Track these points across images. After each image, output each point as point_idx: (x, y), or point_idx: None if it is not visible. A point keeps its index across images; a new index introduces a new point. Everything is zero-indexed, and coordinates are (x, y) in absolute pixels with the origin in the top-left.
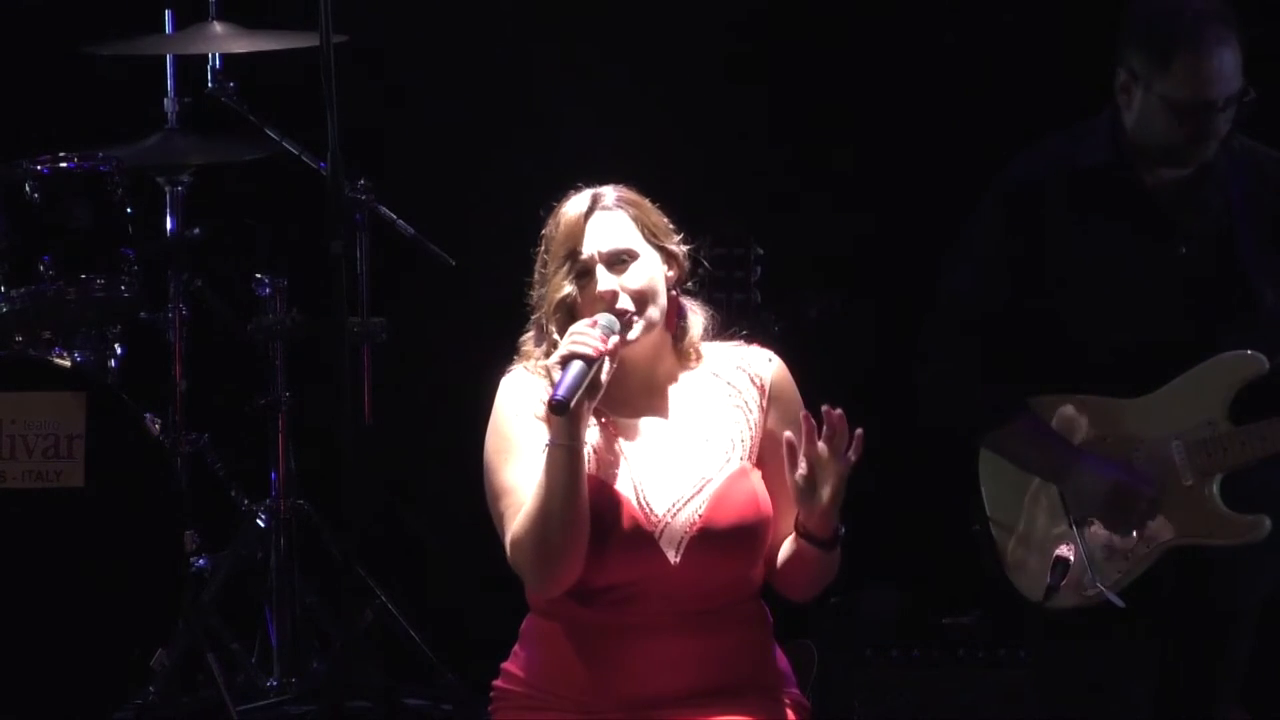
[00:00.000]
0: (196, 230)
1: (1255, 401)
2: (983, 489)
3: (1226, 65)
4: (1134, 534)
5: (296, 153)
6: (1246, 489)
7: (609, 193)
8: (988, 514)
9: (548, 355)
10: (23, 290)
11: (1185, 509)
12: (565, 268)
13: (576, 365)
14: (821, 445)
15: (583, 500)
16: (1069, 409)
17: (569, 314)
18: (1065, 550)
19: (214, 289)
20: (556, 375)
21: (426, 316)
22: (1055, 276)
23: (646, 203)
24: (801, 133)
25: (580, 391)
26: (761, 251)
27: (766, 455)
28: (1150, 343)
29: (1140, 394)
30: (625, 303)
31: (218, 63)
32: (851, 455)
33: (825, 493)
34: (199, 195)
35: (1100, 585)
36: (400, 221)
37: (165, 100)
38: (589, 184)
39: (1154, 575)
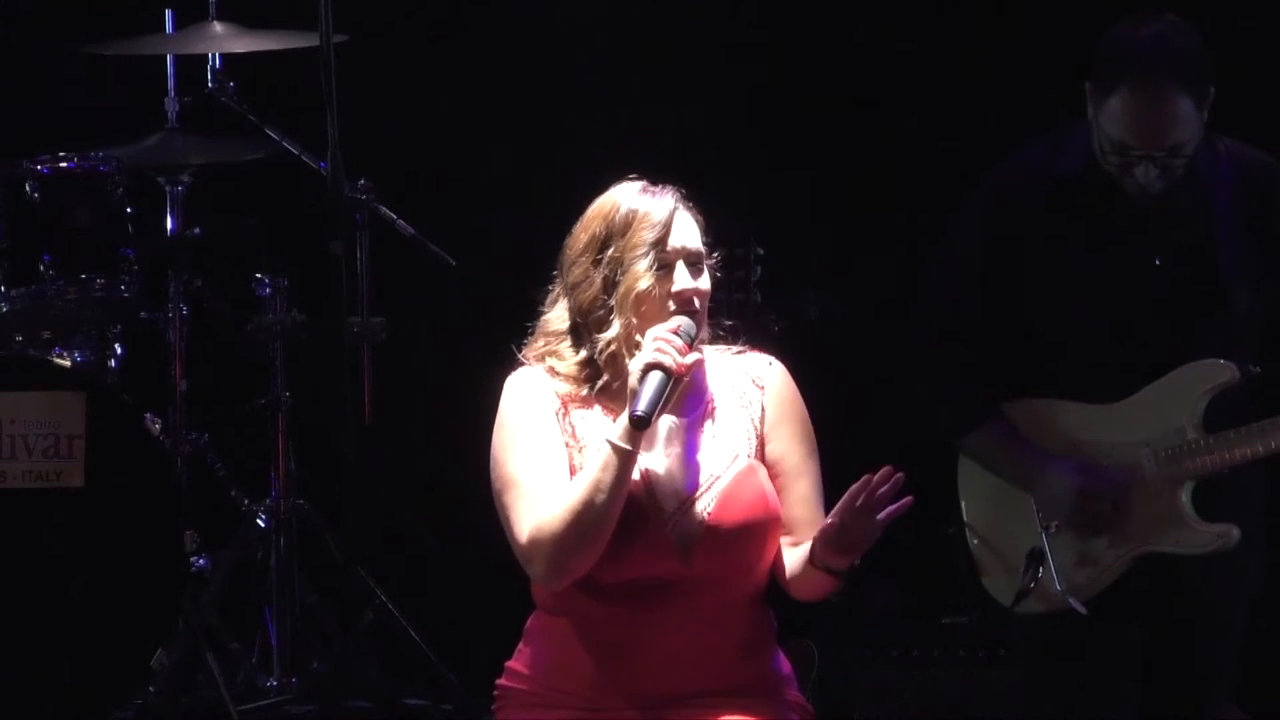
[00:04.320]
0: (196, 230)
1: (1227, 410)
2: (960, 492)
3: (1163, 119)
4: (1101, 537)
5: (296, 153)
6: (1217, 497)
7: (679, 192)
8: (964, 518)
9: (578, 339)
10: (23, 290)
11: (1155, 517)
12: (650, 257)
13: (657, 377)
14: (862, 502)
15: (620, 505)
16: (1042, 413)
17: (638, 306)
18: (1036, 556)
19: (214, 289)
20: (635, 386)
21: (426, 316)
22: (1030, 283)
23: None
24: (802, 132)
25: (660, 405)
26: (761, 251)
27: (766, 452)
28: (1123, 351)
29: (1113, 401)
30: (698, 306)
31: (218, 63)
32: (882, 516)
33: (855, 548)
34: (199, 195)
35: (1065, 593)
36: (400, 221)
37: (165, 100)
38: (649, 178)
39: (1129, 579)
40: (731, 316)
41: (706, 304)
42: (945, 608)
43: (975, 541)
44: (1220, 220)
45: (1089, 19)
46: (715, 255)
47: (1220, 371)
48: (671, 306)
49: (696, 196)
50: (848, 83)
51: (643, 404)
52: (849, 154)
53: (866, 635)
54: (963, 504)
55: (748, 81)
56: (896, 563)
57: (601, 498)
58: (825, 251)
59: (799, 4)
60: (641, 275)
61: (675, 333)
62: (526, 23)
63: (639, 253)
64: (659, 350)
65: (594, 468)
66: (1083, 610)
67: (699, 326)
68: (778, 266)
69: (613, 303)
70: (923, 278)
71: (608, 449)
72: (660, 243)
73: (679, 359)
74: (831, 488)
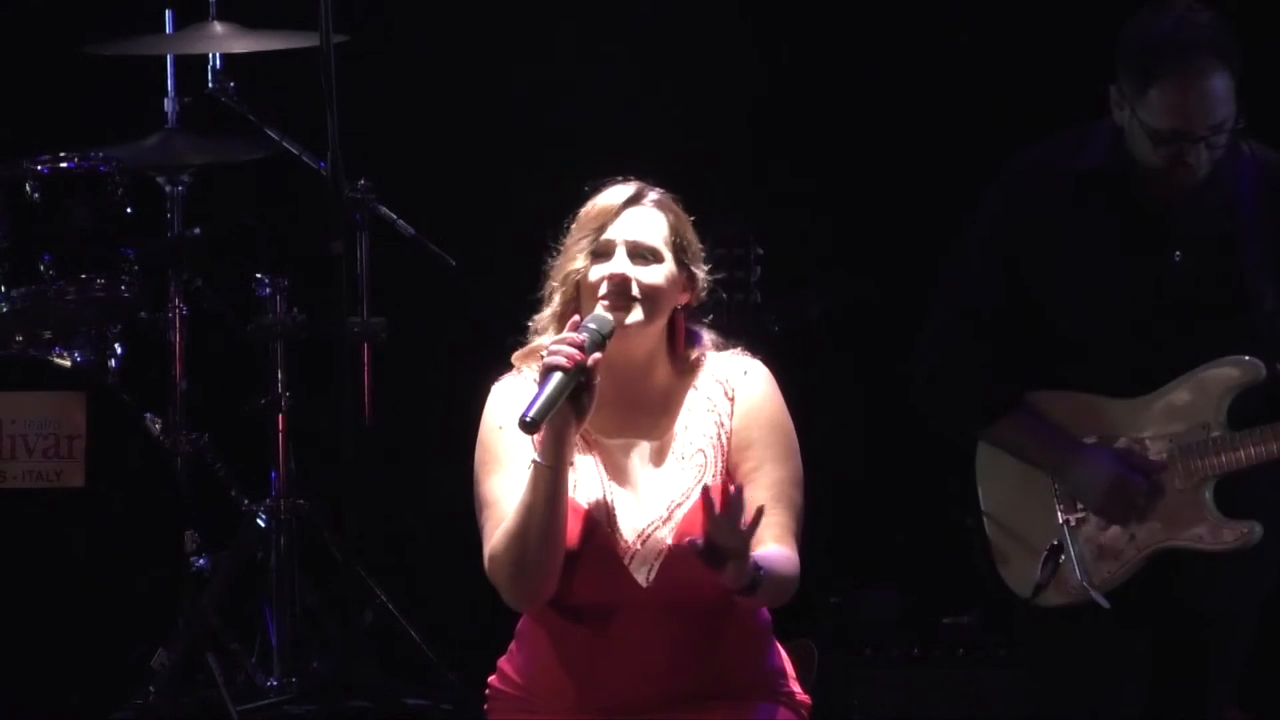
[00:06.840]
0: (196, 230)
1: (1253, 408)
2: (978, 483)
3: (1207, 97)
4: (1123, 531)
5: (296, 153)
6: (1240, 495)
7: (654, 193)
8: (982, 508)
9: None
10: (23, 290)
11: (1178, 512)
12: (586, 242)
13: (554, 379)
14: (719, 517)
15: (562, 521)
16: (1067, 405)
17: (575, 292)
18: (1056, 548)
19: (214, 289)
20: (537, 389)
21: (426, 316)
22: (1048, 277)
23: (687, 219)
24: (803, 132)
25: (553, 410)
26: (761, 251)
27: (734, 466)
28: (1142, 347)
29: (1134, 397)
30: (634, 290)
31: (218, 63)
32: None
33: (727, 566)
34: (199, 195)
35: (1086, 584)
36: (400, 221)
37: (165, 100)
38: (648, 178)
39: (1144, 576)
40: (731, 316)
41: (655, 297)
42: (945, 608)
43: (994, 531)
44: (1244, 219)
45: (1088, 17)
46: (721, 273)
47: (1248, 369)
48: (601, 292)
49: (696, 197)
50: (848, 82)
51: (532, 409)
52: (849, 153)
53: (866, 635)
54: (981, 493)
55: (748, 81)
56: (896, 563)
57: (535, 518)
58: (825, 251)
59: (800, 2)
60: (575, 257)
61: (574, 329)
62: (527, 22)
63: (579, 236)
64: (550, 354)
65: (525, 489)
66: (1105, 603)
67: (651, 316)
68: (778, 266)
69: (555, 284)
70: (943, 270)
71: (532, 470)
72: (601, 229)
73: (571, 352)
74: (832, 486)
